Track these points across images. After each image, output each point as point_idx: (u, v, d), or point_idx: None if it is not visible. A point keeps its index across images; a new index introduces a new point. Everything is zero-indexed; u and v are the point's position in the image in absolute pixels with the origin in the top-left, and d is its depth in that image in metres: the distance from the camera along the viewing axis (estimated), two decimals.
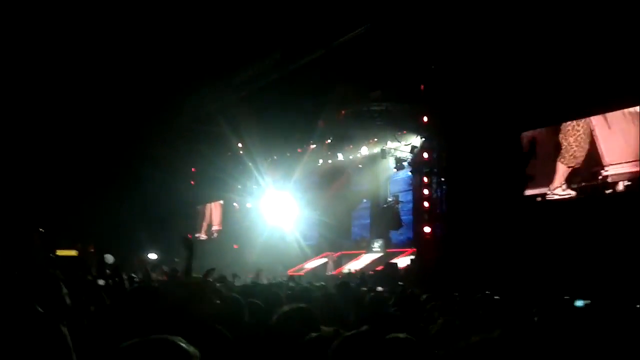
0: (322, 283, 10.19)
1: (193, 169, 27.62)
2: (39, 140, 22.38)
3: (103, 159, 23.93)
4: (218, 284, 5.83)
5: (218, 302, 3.42)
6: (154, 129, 22.24)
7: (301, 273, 19.45)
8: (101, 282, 5.50)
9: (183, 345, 1.44)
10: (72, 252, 25.67)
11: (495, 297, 6.12)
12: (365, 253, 21.10)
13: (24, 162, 23.11)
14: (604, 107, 12.68)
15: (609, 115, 12.77)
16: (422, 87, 15.54)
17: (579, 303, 4.86)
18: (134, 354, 1.41)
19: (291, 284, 10.04)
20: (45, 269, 2.56)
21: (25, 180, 23.88)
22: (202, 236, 29.19)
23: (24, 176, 23.70)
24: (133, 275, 9.80)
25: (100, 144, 23.26)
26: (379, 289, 8.12)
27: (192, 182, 28.39)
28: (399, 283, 10.58)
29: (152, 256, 23.80)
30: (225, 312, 3.84)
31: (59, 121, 21.24)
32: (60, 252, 25.62)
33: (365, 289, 8.27)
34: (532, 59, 12.69)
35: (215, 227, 29.06)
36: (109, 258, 9.89)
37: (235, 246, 25.32)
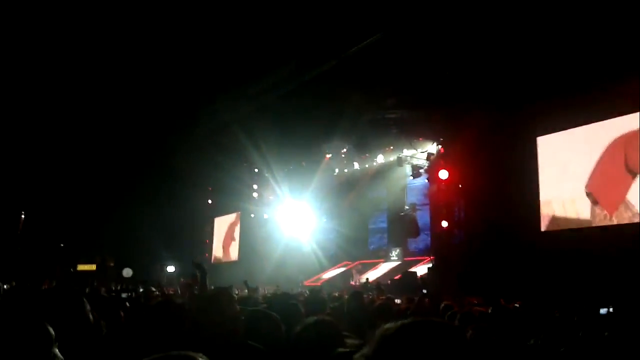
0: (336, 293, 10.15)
1: (210, 186, 27.80)
2: (60, 156, 22.67)
3: (121, 173, 24.16)
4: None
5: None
6: (171, 142, 22.42)
7: (318, 283, 19.40)
8: (123, 295, 5.56)
9: None
10: (92, 267, 25.98)
11: (515, 304, 6.04)
12: (383, 262, 20.99)
13: (46, 178, 23.42)
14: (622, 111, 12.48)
15: None
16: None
17: (603, 311, 4.77)
18: None
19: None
20: (69, 286, 2.57)
21: (46, 196, 24.20)
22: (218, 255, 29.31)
23: (46, 193, 24.02)
24: (152, 288, 9.86)
25: (119, 159, 23.49)
26: (397, 301, 8.04)
27: (209, 197, 28.59)
28: (423, 291, 10.44)
29: (170, 269, 23.94)
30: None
31: (78, 137, 21.51)
32: (80, 267, 26.02)
33: (382, 297, 8.21)
34: (546, 62, 12.57)
35: (227, 242, 29.12)
36: (128, 272, 10.02)
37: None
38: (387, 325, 1.21)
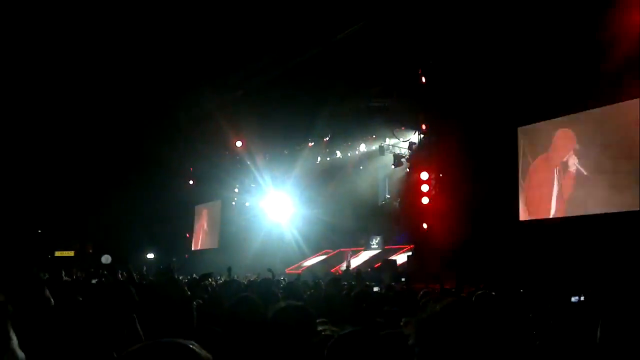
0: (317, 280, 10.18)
1: (191, 169, 27.54)
2: (38, 142, 22.33)
3: (100, 159, 23.89)
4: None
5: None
6: (151, 128, 22.20)
7: (299, 271, 19.44)
8: (93, 281, 5.51)
9: (195, 349, 1.35)
10: (70, 253, 25.77)
11: (492, 293, 6.10)
12: (363, 250, 21.10)
13: (22, 164, 23.07)
14: (601, 100, 12.56)
15: None
16: (423, 79, 15.47)
17: (574, 299, 4.85)
18: (143, 358, 1.33)
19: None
20: (30, 270, 2.53)
21: (24, 182, 23.87)
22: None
23: (22, 178, 23.68)
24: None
25: (98, 145, 23.21)
26: (376, 289, 8.10)
27: (190, 182, 28.31)
28: (402, 279, 10.53)
29: (150, 256, 23.85)
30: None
31: (57, 123, 21.19)
32: (58, 253, 25.79)
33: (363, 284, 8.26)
34: (529, 51, 12.62)
35: (208, 229, 29.05)
36: (107, 258, 9.95)
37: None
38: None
